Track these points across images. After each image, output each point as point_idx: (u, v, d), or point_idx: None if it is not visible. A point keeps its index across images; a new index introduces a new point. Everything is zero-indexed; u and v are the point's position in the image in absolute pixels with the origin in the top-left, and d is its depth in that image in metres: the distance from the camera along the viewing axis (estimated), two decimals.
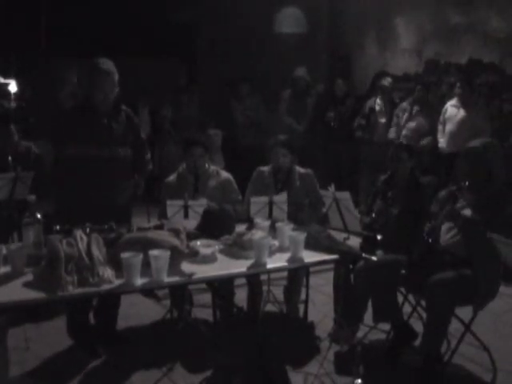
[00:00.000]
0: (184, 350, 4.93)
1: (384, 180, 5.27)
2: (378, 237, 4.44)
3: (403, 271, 4.58)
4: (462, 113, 7.98)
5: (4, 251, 3.73)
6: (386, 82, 9.24)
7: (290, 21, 11.03)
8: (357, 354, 4.66)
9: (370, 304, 4.75)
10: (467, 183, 4.37)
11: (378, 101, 9.13)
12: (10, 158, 5.67)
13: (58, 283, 3.39)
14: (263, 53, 11.24)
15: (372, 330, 5.03)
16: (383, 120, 9.05)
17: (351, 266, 4.72)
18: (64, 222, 4.09)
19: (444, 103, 8.37)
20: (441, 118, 8.23)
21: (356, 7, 10.75)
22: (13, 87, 10.63)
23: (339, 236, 4.43)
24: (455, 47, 9.12)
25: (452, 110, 8.12)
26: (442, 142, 8.18)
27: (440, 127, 8.23)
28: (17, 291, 3.42)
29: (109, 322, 5.11)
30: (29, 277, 3.58)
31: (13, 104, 10.16)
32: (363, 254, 4.28)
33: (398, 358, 4.69)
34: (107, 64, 4.74)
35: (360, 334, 4.95)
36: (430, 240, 4.45)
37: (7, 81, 10.94)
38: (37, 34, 13.41)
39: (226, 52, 11.75)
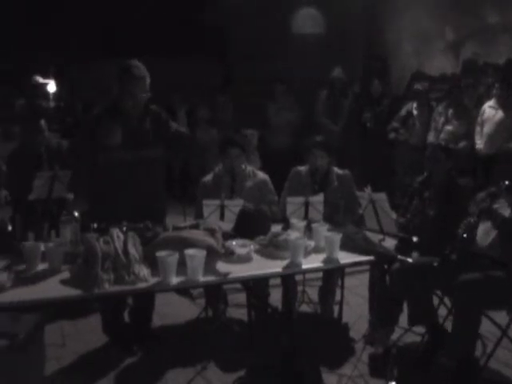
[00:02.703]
0: (218, 350, 4.94)
1: (421, 181, 5.23)
2: (414, 238, 4.40)
3: (439, 273, 4.53)
4: (500, 114, 7.88)
5: (42, 248, 3.77)
6: (421, 86, 9.16)
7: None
8: (391, 356, 4.62)
9: (405, 306, 4.72)
10: (506, 183, 4.32)
11: (415, 104, 9.05)
12: (43, 152, 5.77)
13: (95, 281, 3.42)
14: (299, 53, 11.21)
15: (407, 332, 4.97)
16: (420, 123, 8.96)
17: (386, 268, 4.69)
18: (101, 221, 4.12)
19: (481, 104, 8.28)
20: (478, 119, 8.14)
21: (393, 7, 10.68)
22: (51, 87, 10.77)
23: (375, 237, 4.40)
24: (493, 47, 9.02)
25: (490, 111, 8.03)
26: (480, 143, 8.08)
27: (478, 129, 8.14)
28: (54, 288, 3.47)
29: (144, 320, 5.15)
30: (66, 274, 3.62)
31: (51, 104, 10.28)
32: (399, 256, 4.25)
33: (432, 361, 4.65)
34: (139, 68, 4.68)
35: (395, 336, 4.90)
36: (465, 235, 4.37)
37: (46, 81, 11.07)
38: (75, 35, 13.56)
39: (261, 52, 11.74)
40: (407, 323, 4.74)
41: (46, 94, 10.83)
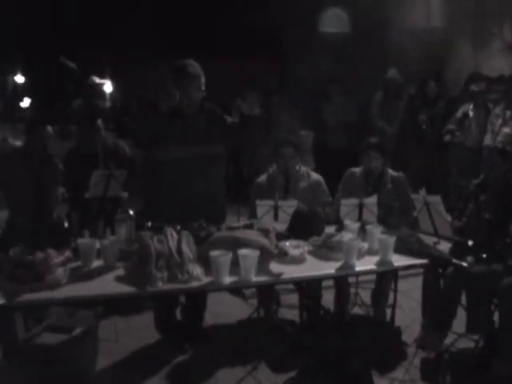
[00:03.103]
0: (269, 350, 4.94)
1: (476, 184, 5.15)
2: (469, 242, 4.35)
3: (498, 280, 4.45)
4: None
5: (97, 246, 3.82)
6: (478, 87, 9.02)
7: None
8: (444, 361, 4.58)
9: (458, 311, 4.65)
10: None
11: (472, 106, 8.91)
12: (99, 151, 5.87)
13: (148, 279, 3.45)
14: (354, 54, 11.14)
15: (460, 337, 4.90)
16: (477, 125, 8.82)
17: (441, 271, 4.63)
18: (155, 220, 4.15)
19: None
20: None
21: (450, 7, 10.54)
22: (108, 87, 10.91)
23: (429, 240, 4.36)
24: None
25: None
26: None
27: None
28: (108, 285, 3.52)
29: (196, 319, 5.18)
30: (120, 271, 3.67)
31: (108, 104, 10.41)
32: (453, 260, 4.20)
33: (487, 367, 4.56)
34: (194, 67, 4.71)
35: (448, 341, 4.83)
36: None
37: (103, 81, 11.22)
38: (131, 35, 13.73)
39: (316, 53, 11.71)
40: (465, 331, 4.66)
41: (103, 93, 10.97)
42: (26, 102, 16.02)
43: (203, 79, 4.73)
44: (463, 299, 4.61)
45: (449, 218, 4.59)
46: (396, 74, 9.43)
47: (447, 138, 8.94)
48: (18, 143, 6.29)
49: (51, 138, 5.95)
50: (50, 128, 5.70)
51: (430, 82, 9.36)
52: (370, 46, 11.01)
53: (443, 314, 4.66)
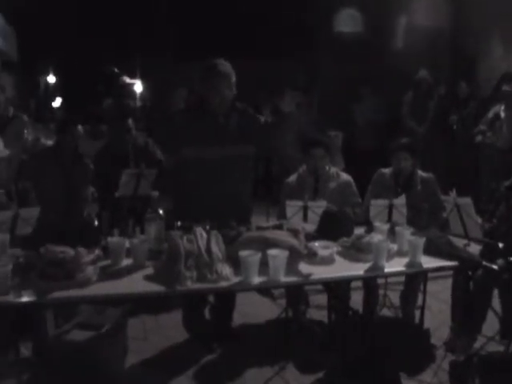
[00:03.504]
0: (297, 350, 4.95)
1: (507, 186, 5.10)
2: (500, 244, 4.30)
3: None
4: None
5: (127, 244, 3.85)
6: (509, 87, 8.93)
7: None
8: (473, 365, 4.53)
9: (488, 314, 4.61)
10: None
11: (503, 107, 8.83)
12: (129, 150, 5.92)
13: (177, 278, 3.46)
14: (385, 53, 11.10)
15: (490, 341, 4.85)
16: (508, 126, 8.72)
17: (470, 274, 4.59)
18: (184, 219, 4.17)
19: None
20: None
21: (482, 7, 10.44)
22: (138, 87, 10.98)
23: (459, 242, 4.31)
24: None
25: None
26: None
27: None
28: (138, 283, 3.53)
29: (224, 318, 5.20)
30: (149, 270, 3.68)
31: (138, 103, 10.48)
32: (483, 262, 4.15)
33: None
34: (224, 66, 4.71)
35: (477, 345, 4.79)
36: None
37: (133, 81, 11.30)
38: (161, 35, 13.79)
39: (346, 53, 11.68)
40: (500, 337, 4.62)
41: (133, 93, 11.04)
42: (57, 102, 16.16)
43: (234, 78, 4.73)
44: (493, 302, 4.58)
45: (479, 220, 4.54)
46: (426, 74, 9.38)
47: (478, 138, 8.87)
48: (50, 143, 6.34)
49: (82, 137, 6.00)
50: (80, 128, 5.75)
51: (461, 83, 9.30)
52: (400, 46, 10.98)
53: (473, 317, 4.62)
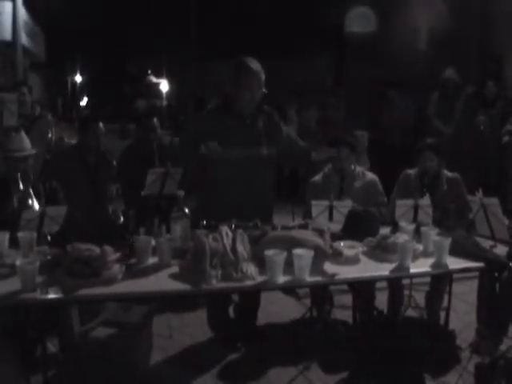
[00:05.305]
0: (321, 350, 4.95)
1: None
2: None
3: None
4: None
5: (152, 243, 3.87)
6: None
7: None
8: (499, 367, 4.49)
9: None
10: None
11: None
12: (155, 149, 5.95)
13: (203, 276, 3.47)
14: (413, 53, 11.05)
15: None
16: None
17: (497, 275, 4.55)
18: (209, 218, 4.18)
19: None
20: None
21: (510, 6, 10.36)
22: (164, 86, 11.05)
23: (486, 243, 4.29)
24: None
25: None
26: None
27: None
28: (163, 282, 3.55)
29: (249, 317, 5.20)
30: (175, 269, 3.70)
31: (164, 102, 10.54)
32: (510, 264, 4.12)
33: None
34: (254, 63, 4.71)
35: (503, 347, 4.75)
36: None
37: (159, 80, 11.37)
38: (187, 35, 13.86)
39: (374, 53, 11.65)
40: None
41: (160, 93, 11.11)
42: (84, 101, 16.31)
43: (263, 77, 4.72)
44: None
45: (506, 221, 4.50)
46: (453, 74, 9.31)
47: (506, 139, 8.79)
48: (74, 142, 6.39)
49: (110, 137, 6.04)
50: (101, 125, 5.77)
51: (488, 82, 9.22)
52: (428, 46, 10.92)
53: (499, 319, 4.59)
